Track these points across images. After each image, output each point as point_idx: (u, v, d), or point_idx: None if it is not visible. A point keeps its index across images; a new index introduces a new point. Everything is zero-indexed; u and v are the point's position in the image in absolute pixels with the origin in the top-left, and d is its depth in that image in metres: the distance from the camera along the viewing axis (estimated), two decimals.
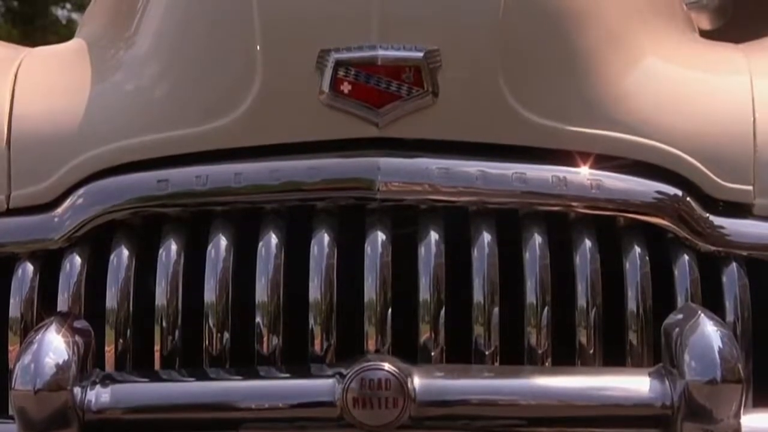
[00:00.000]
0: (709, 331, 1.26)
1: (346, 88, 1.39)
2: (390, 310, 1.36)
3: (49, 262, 1.43)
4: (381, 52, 1.39)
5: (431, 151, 1.42)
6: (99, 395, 1.27)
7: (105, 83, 1.54)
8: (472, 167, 1.40)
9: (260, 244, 1.39)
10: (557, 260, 1.40)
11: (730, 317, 1.39)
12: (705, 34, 2.85)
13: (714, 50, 1.79)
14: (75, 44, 1.78)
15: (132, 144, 1.44)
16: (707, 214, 1.43)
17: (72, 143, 1.46)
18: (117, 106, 1.48)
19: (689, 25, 2.06)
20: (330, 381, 1.26)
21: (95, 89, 1.53)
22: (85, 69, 1.59)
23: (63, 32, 16.56)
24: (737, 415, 1.25)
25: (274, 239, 1.39)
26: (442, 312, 1.37)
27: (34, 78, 1.60)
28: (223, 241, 1.40)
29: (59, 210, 1.43)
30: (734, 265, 1.41)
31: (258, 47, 1.41)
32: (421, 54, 1.39)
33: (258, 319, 1.37)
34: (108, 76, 1.55)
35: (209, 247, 1.40)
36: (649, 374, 1.29)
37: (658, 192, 1.42)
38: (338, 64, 1.39)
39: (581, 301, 1.38)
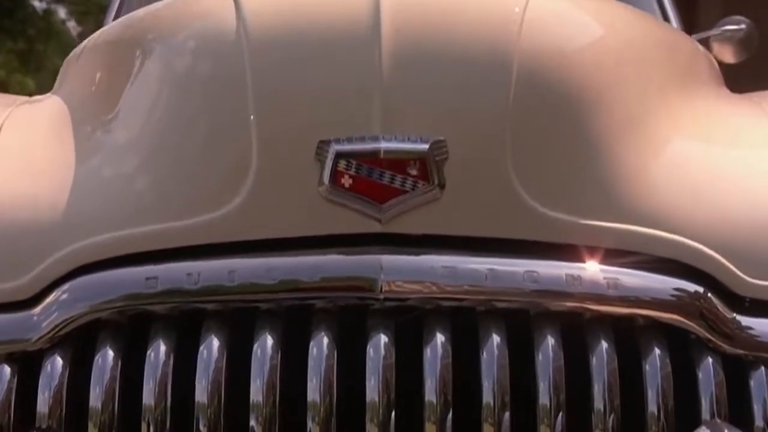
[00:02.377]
0: None
1: (346, 181, 1.40)
2: (393, 412, 1.38)
3: (28, 361, 1.44)
4: (384, 144, 1.40)
5: (437, 246, 1.43)
6: None
7: (90, 166, 1.55)
8: (480, 264, 1.42)
9: (255, 344, 1.40)
10: (572, 359, 1.41)
11: (759, 422, 1.41)
12: (729, 69, 2.87)
13: (739, 117, 1.80)
14: (57, 107, 1.79)
15: (119, 237, 1.45)
16: (732, 314, 1.44)
17: (54, 234, 1.47)
18: (103, 194, 1.50)
19: (713, 80, 2.07)
20: None
21: (80, 173, 1.54)
22: (68, 146, 1.61)
23: (41, 24, 16.60)
24: None
25: (269, 340, 1.41)
26: (450, 414, 1.38)
27: (13, 152, 1.62)
28: (216, 342, 1.41)
29: (39, 308, 1.44)
30: (763, 369, 1.42)
31: (253, 136, 1.43)
32: (426, 146, 1.41)
33: (252, 422, 1.39)
34: (94, 158, 1.57)
35: (201, 348, 1.41)
36: None
37: (678, 289, 1.44)
38: (338, 155, 1.40)
39: (598, 404, 1.40)
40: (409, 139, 1.41)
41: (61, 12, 17.76)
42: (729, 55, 2.96)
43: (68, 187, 1.52)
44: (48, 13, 16.38)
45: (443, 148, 1.41)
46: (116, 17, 2.96)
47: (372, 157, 1.40)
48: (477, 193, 1.43)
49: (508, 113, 1.43)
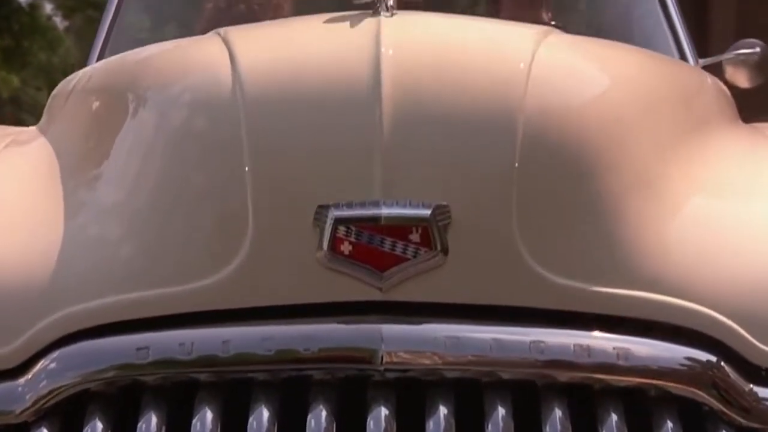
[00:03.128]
0: None
1: (346, 248, 1.40)
2: None
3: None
4: (385, 210, 1.40)
5: (440, 314, 1.43)
6: None
7: (79, 226, 1.55)
8: (484, 334, 1.41)
9: (251, 417, 1.40)
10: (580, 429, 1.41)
11: None
12: (743, 92, 2.87)
13: (754, 162, 1.79)
14: (46, 156, 1.78)
15: (109, 303, 1.45)
16: (749, 384, 1.43)
17: (42, 299, 1.47)
18: (92, 257, 1.49)
19: (727, 117, 2.07)
20: None
21: (69, 233, 1.54)
22: (57, 202, 1.60)
23: (26, 20, 16.59)
24: None
25: (265, 412, 1.40)
26: None
27: (0, 207, 1.61)
28: (209, 414, 1.41)
29: (25, 378, 1.43)
30: None
31: (249, 199, 1.43)
32: (428, 211, 1.40)
33: None
34: (83, 217, 1.56)
35: (194, 420, 1.41)
36: None
37: (689, 359, 1.44)
38: (338, 221, 1.40)
39: None
40: (410, 204, 1.40)
41: (48, 7, 17.78)
42: (743, 80, 2.95)
43: (57, 248, 1.51)
44: (33, 8, 16.37)
45: (446, 213, 1.41)
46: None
47: (372, 223, 1.40)
48: (482, 259, 1.42)
49: (514, 176, 1.42)
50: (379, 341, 1.40)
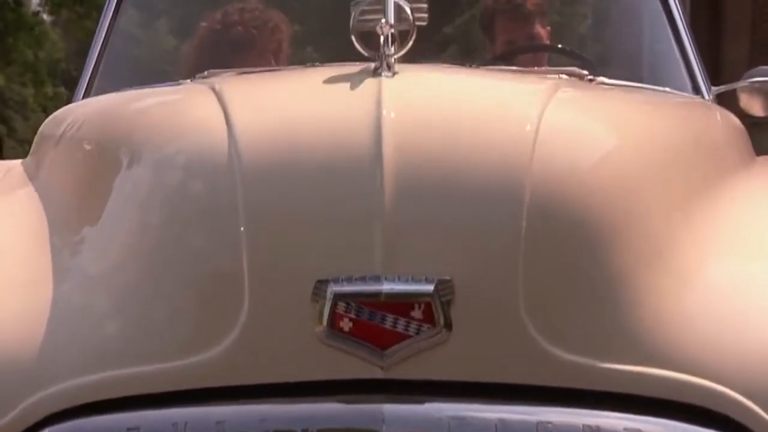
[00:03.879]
0: None
1: (346, 325, 1.40)
2: None
3: None
4: (386, 286, 1.39)
5: (443, 392, 1.43)
6: None
7: (67, 295, 1.55)
8: (489, 413, 1.41)
9: None
10: None
11: None
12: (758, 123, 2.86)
13: None
14: (34, 210, 1.78)
15: (97, 381, 1.45)
16: None
17: (26, 376, 1.46)
18: (81, 330, 1.49)
19: (740, 159, 2.07)
20: None
21: (57, 302, 1.53)
22: (44, 265, 1.60)
23: (11, 16, 16.59)
24: None
25: None
26: None
27: None
28: None
29: None
30: None
31: (245, 271, 1.43)
32: (431, 286, 1.40)
33: None
34: (71, 285, 1.56)
35: None
36: None
37: None
38: (337, 297, 1.40)
39: None
40: (412, 279, 1.40)
41: (33, 2, 17.72)
42: (758, 108, 2.94)
43: (44, 319, 1.51)
44: (19, 4, 16.35)
45: (449, 288, 1.41)
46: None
47: (373, 299, 1.40)
48: (486, 334, 1.42)
49: (520, 247, 1.42)
50: (381, 422, 1.40)
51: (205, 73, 2.43)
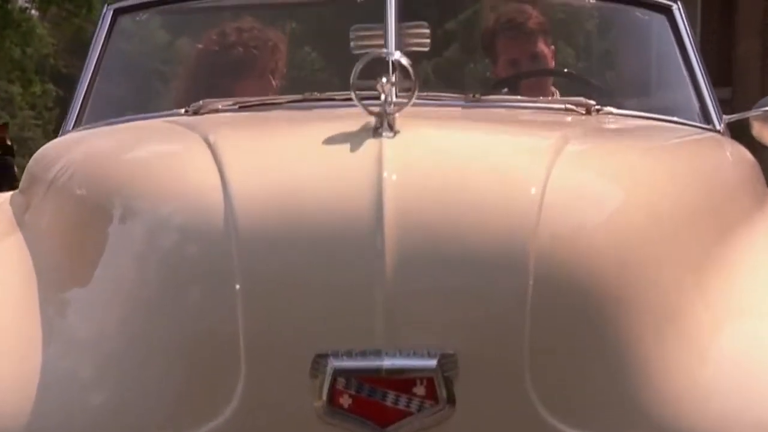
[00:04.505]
0: None
1: (345, 401, 1.40)
2: None
3: None
4: (387, 362, 1.40)
5: None
6: None
7: (55, 361, 1.54)
8: None
9: None
10: None
11: None
12: None
13: None
14: (23, 265, 1.78)
15: None
16: None
17: None
18: (67, 400, 1.49)
19: (753, 200, 2.07)
20: None
21: (44, 367, 1.53)
22: (32, 325, 1.60)
23: None
24: None
25: None
26: None
27: None
28: None
29: None
30: None
31: (241, 343, 1.43)
32: (434, 362, 1.40)
33: None
34: (59, 350, 1.56)
35: None
36: None
37: None
38: (337, 373, 1.40)
39: None
40: (414, 353, 1.40)
41: None
42: None
43: (31, 386, 1.50)
44: (5, 1, 16.32)
45: (453, 363, 1.41)
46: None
47: (374, 374, 1.40)
48: (491, 410, 1.42)
49: (525, 319, 1.42)
50: None
51: (201, 102, 2.43)
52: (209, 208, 1.51)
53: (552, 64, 3.24)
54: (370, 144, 1.52)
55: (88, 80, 2.82)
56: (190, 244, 1.51)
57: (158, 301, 1.50)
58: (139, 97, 3.11)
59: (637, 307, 1.49)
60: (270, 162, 1.61)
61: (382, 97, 1.55)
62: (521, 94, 3.20)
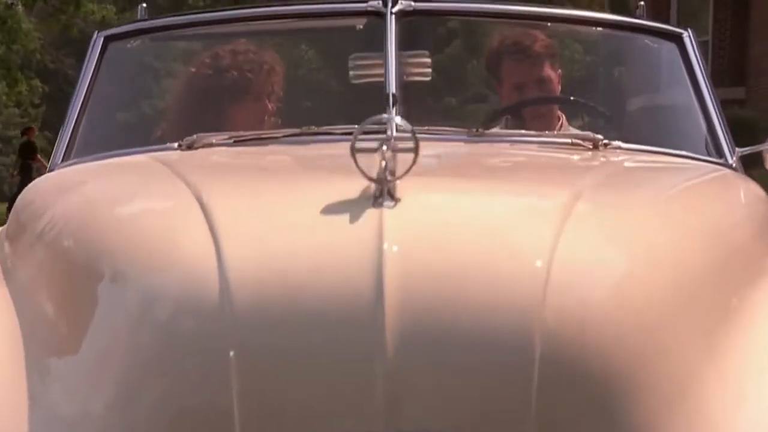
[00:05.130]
0: None
1: None
2: None
3: None
4: None
5: None
6: None
7: None
8: None
9: None
10: None
11: None
12: None
13: None
14: (9, 324, 1.78)
15: None
16: None
17: None
18: None
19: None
20: None
21: None
22: (15, 401, 1.59)
23: None
24: None
25: None
26: None
27: None
28: None
29: None
30: None
31: (236, 425, 1.42)
32: None
33: None
34: (41, 427, 1.55)
35: None
36: None
37: None
38: None
39: None
40: None
41: None
42: None
43: None
44: None
45: None
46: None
47: None
48: None
49: (531, 401, 1.41)
50: None
51: (194, 137, 2.43)
52: (203, 280, 1.50)
53: (558, 87, 3.23)
54: (370, 214, 1.51)
55: (77, 110, 2.81)
56: (183, 317, 1.50)
57: (149, 376, 1.49)
58: (131, 126, 3.10)
59: (647, 387, 1.48)
60: (265, 230, 1.59)
61: (382, 164, 1.54)
62: (527, 120, 3.20)
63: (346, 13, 2.86)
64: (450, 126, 2.63)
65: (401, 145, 1.57)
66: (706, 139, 2.79)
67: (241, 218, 1.65)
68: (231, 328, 1.45)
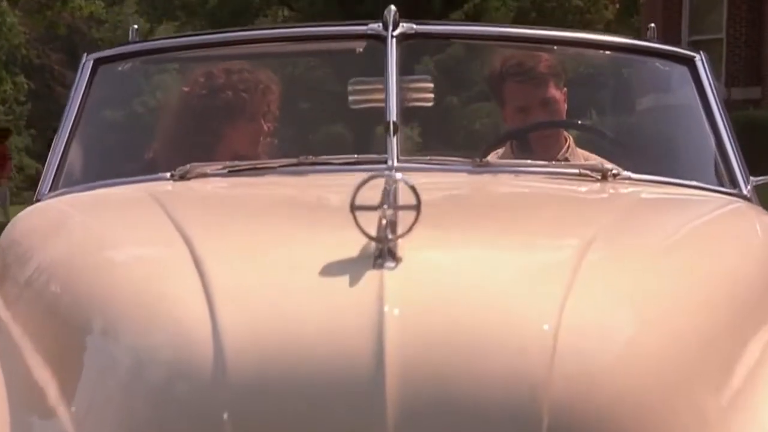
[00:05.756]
0: None
1: None
2: None
3: None
4: None
5: None
6: None
7: None
8: None
9: None
10: None
11: None
12: None
13: None
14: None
15: None
16: None
17: None
18: None
19: None
20: None
21: None
22: None
23: None
24: None
25: None
26: None
27: None
28: None
29: None
30: None
31: None
32: None
33: None
34: None
35: None
36: None
37: None
38: None
39: None
40: None
41: None
42: None
43: None
44: None
45: None
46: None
47: None
48: None
49: None
50: None
51: (188, 167, 2.41)
52: (197, 344, 1.48)
53: (564, 107, 3.21)
54: (371, 276, 1.49)
55: (66, 136, 2.79)
56: (177, 381, 1.48)
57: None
58: (122, 150, 3.08)
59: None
60: (262, 292, 1.57)
61: (383, 222, 1.52)
62: (532, 142, 3.19)
63: (345, 36, 2.85)
64: (453, 150, 2.60)
65: (402, 202, 1.56)
66: (719, 167, 2.77)
67: (235, 278, 1.63)
68: (225, 394, 1.44)
